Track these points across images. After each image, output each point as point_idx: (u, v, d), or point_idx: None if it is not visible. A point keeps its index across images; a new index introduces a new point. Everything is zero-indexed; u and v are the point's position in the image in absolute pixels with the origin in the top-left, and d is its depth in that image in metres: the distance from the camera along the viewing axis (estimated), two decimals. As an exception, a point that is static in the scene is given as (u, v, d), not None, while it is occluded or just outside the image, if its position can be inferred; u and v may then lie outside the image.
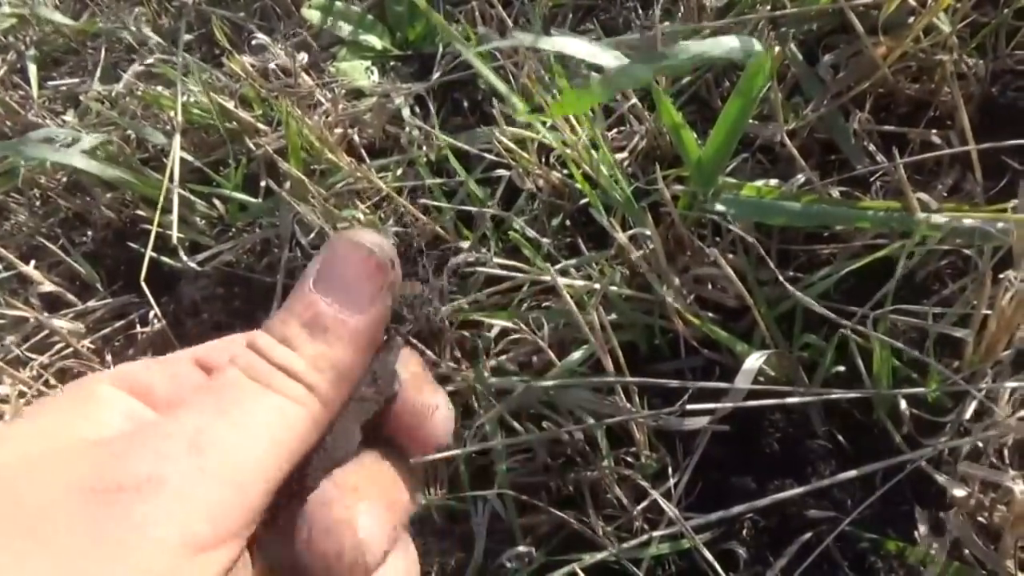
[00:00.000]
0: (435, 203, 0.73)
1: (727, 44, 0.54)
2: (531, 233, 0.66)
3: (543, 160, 0.73)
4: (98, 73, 1.05)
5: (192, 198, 0.84)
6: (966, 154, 0.57)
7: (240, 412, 0.26)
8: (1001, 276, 0.48)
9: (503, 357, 0.63)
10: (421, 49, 0.94)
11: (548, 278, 0.57)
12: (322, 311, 0.29)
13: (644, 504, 0.54)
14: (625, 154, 0.71)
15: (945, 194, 0.60)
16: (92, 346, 0.82)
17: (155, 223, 0.77)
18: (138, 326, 0.82)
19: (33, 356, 0.80)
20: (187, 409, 0.26)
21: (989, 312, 0.50)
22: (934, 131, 0.63)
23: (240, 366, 0.28)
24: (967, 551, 0.49)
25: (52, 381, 0.78)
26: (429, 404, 0.32)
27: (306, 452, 0.28)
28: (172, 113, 0.87)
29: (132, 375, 0.30)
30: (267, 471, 0.26)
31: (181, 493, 0.24)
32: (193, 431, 0.25)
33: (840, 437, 0.55)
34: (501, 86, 0.64)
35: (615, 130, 0.73)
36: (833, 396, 0.52)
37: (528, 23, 0.84)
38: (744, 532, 0.53)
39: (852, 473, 0.49)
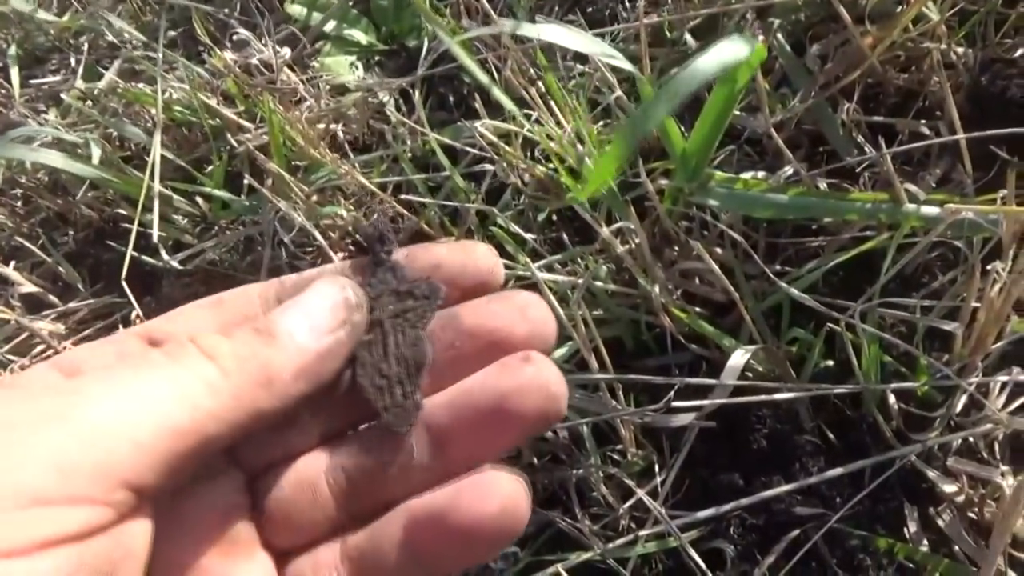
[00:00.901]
0: (420, 199, 0.72)
1: (737, 48, 0.52)
2: (515, 228, 0.65)
3: (528, 154, 0.72)
4: (80, 71, 1.03)
5: (174, 196, 0.82)
6: (955, 144, 0.56)
7: (128, 378, 0.26)
8: (989, 267, 0.47)
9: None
10: (406, 44, 0.93)
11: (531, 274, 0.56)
12: (276, 322, 0.29)
13: (630, 502, 0.53)
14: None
15: (934, 185, 0.59)
16: (74, 347, 0.81)
17: (136, 222, 0.76)
18: (121, 326, 0.81)
19: (14, 358, 0.79)
20: (83, 374, 0.27)
21: (978, 304, 0.49)
22: (923, 121, 0.62)
23: (164, 344, 0.28)
24: (957, 548, 0.48)
25: (33, 383, 0.77)
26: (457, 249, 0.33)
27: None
28: (153, 110, 0.86)
29: (69, 355, 0.30)
30: (143, 439, 0.25)
31: (29, 443, 0.23)
32: (69, 389, 0.25)
33: (829, 433, 0.54)
34: (482, 76, 0.63)
35: (600, 123, 0.72)
36: (821, 391, 0.51)
37: (514, 17, 0.83)
38: (731, 530, 0.52)
39: (840, 470, 0.49)
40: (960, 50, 0.63)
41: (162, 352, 0.28)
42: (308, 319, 0.29)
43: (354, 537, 0.30)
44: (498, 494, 0.28)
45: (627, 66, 0.54)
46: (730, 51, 0.50)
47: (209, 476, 0.30)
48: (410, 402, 0.31)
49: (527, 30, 0.56)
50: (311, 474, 0.31)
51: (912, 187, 0.54)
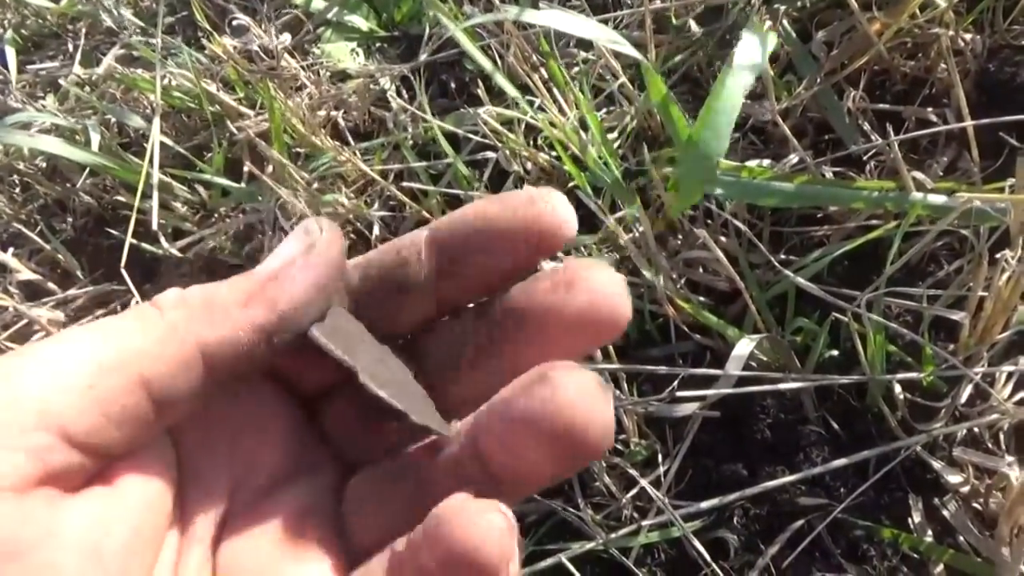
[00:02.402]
0: (421, 186, 0.72)
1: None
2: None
3: (531, 142, 0.71)
4: (78, 57, 1.02)
5: (173, 183, 0.82)
6: (962, 132, 0.55)
7: (78, 329, 0.25)
8: (998, 256, 0.47)
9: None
10: (408, 30, 0.92)
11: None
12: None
13: (633, 492, 0.53)
14: (615, 135, 0.70)
15: (941, 173, 0.59)
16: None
17: (135, 209, 0.75)
18: (120, 314, 0.81)
19: (12, 346, 0.78)
20: None
21: (985, 294, 0.49)
22: (930, 109, 0.62)
23: None
24: (962, 538, 0.48)
25: (32, 371, 0.77)
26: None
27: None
28: (152, 97, 0.85)
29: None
30: (62, 372, 0.23)
31: None
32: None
33: (833, 423, 0.54)
34: (486, 63, 0.63)
35: (604, 111, 0.72)
36: (826, 381, 0.51)
37: (516, 2, 0.82)
38: (735, 520, 0.52)
39: (845, 460, 0.48)
40: (968, 37, 0.63)
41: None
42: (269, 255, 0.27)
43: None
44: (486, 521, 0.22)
45: (632, 52, 0.54)
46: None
47: (296, 473, 0.29)
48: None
49: (530, 16, 0.55)
50: (399, 464, 0.28)
51: (919, 175, 0.54)
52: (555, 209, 0.27)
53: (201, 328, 0.25)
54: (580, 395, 0.23)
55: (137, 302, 0.78)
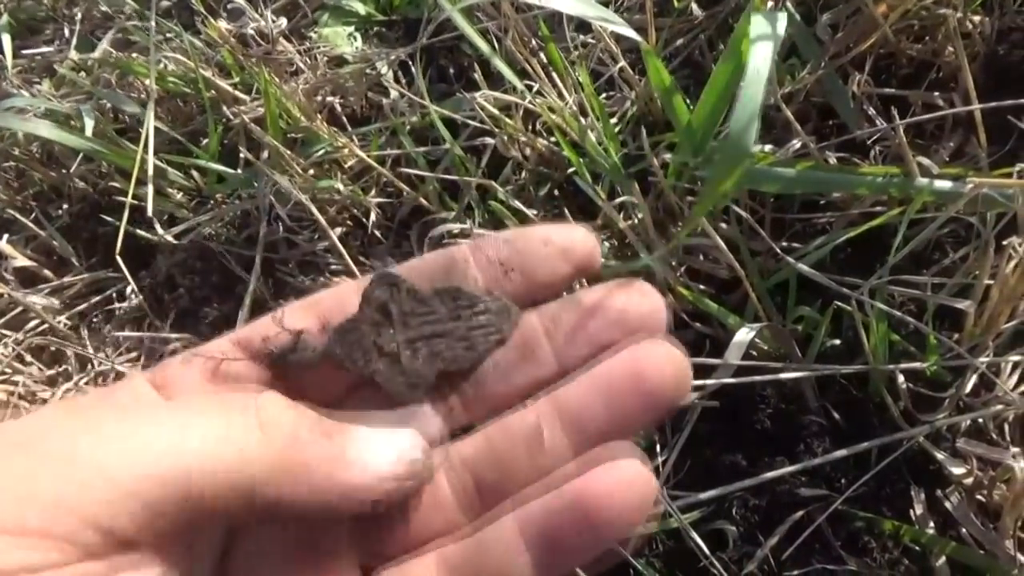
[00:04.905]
0: (418, 172, 0.71)
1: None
2: (516, 204, 0.64)
3: (529, 127, 0.70)
4: (74, 41, 1.01)
5: (168, 169, 0.81)
6: (969, 117, 0.54)
7: (146, 420, 0.28)
8: (1005, 243, 0.46)
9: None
10: (406, 14, 0.91)
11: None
12: (349, 438, 0.31)
13: (631, 483, 0.52)
14: (614, 120, 0.68)
15: (947, 158, 0.58)
16: (68, 322, 0.80)
17: (130, 195, 0.74)
18: (115, 301, 0.80)
19: (7, 333, 0.78)
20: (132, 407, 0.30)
21: (991, 282, 0.48)
22: (936, 93, 0.61)
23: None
24: (964, 531, 0.47)
25: (27, 358, 0.76)
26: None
27: None
28: (147, 82, 0.84)
29: (164, 370, 0.31)
30: (121, 480, 0.25)
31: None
32: (87, 426, 0.27)
33: (835, 413, 0.53)
34: (483, 45, 0.62)
35: (604, 95, 0.70)
36: (827, 371, 0.50)
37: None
38: (734, 511, 0.51)
39: (845, 451, 0.48)
40: (976, 19, 0.61)
41: (219, 402, 0.28)
42: (378, 459, 0.29)
43: (454, 547, 0.29)
44: (627, 476, 0.30)
45: (631, 33, 0.52)
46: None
47: None
48: (419, 363, 0.30)
49: (528, -4, 0.54)
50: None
51: (925, 160, 0.53)
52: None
53: (283, 482, 0.27)
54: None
55: (133, 290, 0.77)
